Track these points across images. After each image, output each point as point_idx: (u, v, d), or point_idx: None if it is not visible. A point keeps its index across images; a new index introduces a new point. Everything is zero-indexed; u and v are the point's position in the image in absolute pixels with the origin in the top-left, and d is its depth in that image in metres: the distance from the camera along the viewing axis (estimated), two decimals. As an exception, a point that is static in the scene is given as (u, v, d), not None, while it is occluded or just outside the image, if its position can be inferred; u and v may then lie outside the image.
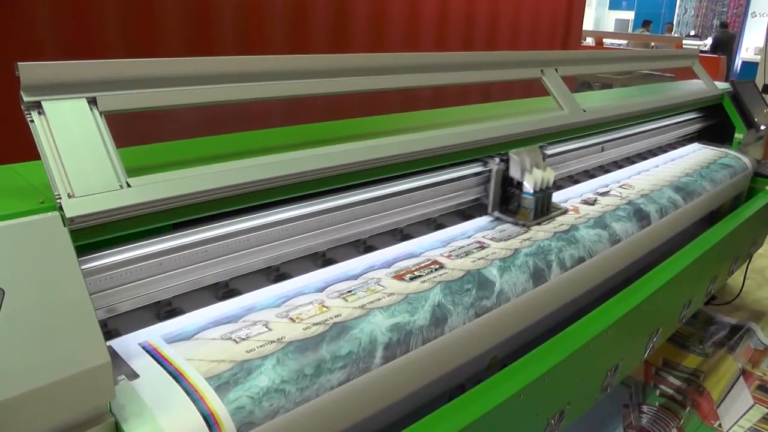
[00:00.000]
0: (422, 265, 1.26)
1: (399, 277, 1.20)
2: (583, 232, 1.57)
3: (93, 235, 0.89)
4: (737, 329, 2.79)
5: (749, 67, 10.46)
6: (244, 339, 0.94)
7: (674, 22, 14.07)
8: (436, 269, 1.25)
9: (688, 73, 2.89)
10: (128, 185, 0.91)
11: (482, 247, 1.39)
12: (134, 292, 0.99)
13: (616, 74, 4.45)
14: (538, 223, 1.56)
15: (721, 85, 2.85)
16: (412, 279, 1.20)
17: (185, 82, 1.06)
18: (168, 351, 0.90)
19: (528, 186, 1.56)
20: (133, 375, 0.84)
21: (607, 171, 2.21)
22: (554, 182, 1.63)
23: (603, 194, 1.88)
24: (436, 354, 1.11)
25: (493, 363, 1.32)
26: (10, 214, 0.78)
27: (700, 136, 2.82)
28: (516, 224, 1.55)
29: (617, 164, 2.30)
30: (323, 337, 0.98)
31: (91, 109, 0.93)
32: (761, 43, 7.42)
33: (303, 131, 1.50)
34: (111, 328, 0.98)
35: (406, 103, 2.84)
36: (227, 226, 1.09)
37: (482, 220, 1.58)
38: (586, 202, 1.78)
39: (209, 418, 0.79)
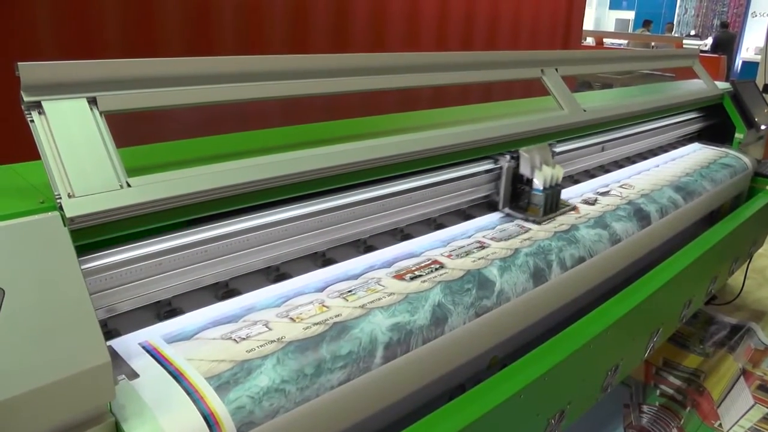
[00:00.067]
0: (422, 264, 1.26)
1: (399, 276, 1.20)
2: (583, 231, 1.57)
3: (93, 235, 0.89)
4: (738, 329, 2.78)
5: (749, 66, 10.46)
6: (244, 339, 0.94)
7: (674, 22, 14.07)
8: (436, 269, 1.25)
9: (688, 73, 2.89)
10: (128, 185, 0.91)
11: (482, 246, 1.39)
12: (134, 292, 0.99)
13: (616, 74, 4.45)
14: (548, 220, 1.59)
15: (722, 85, 2.85)
16: (412, 279, 1.20)
17: (185, 82, 1.06)
18: (168, 351, 0.90)
19: (538, 183, 1.58)
20: (134, 375, 0.84)
21: (607, 171, 2.21)
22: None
23: (603, 194, 1.88)
24: (437, 354, 1.11)
25: (494, 363, 1.32)
26: (10, 214, 0.78)
27: (700, 136, 2.82)
28: (526, 220, 1.58)
29: (617, 164, 2.30)
30: (323, 337, 0.98)
31: (91, 109, 0.93)
32: (761, 43, 7.41)
33: (303, 131, 1.50)
34: (111, 328, 0.98)
35: (406, 103, 2.84)
36: (227, 226, 1.09)
37: (493, 217, 1.60)
38: (586, 202, 1.78)
39: (209, 418, 0.79)
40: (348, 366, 0.97)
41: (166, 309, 1.04)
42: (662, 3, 14.75)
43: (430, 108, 2.01)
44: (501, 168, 1.62)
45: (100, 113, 0.94)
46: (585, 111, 1.85)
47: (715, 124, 2.82)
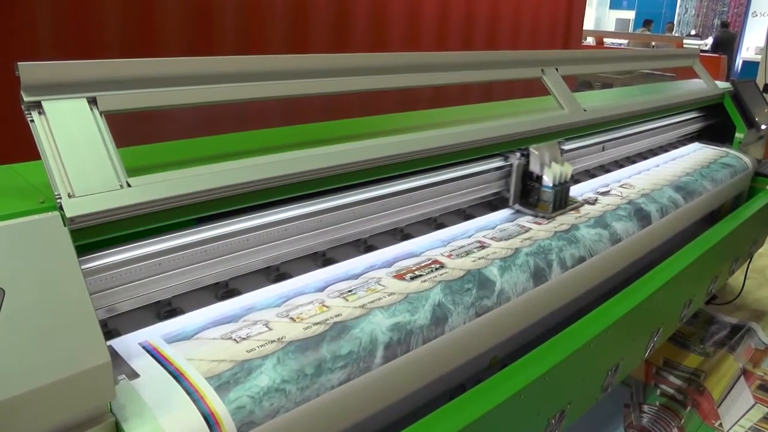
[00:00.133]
0: (423, 264, 1.26)
1: (399, 276, 1.20)
2: (583, 231, 1.57)
3: (93, 235, 0.89)
4: (738, 329, 2.78)
5: (750, 66, 10.46)
6: (244, 339, 0.94)
7: (675, 22, 14.07)
8: (436, 269, 1.25)
9: (688, 73, 2.89)
10: (128, 185, 0.91)
11: (483, 246, 1.39)
12: (134, 291, 0.99)
13: (616, 74, 4.45)
14: (557, 216, 1.62)
15: (722, 85, 2.85)
16: (412, 278, 1.20)
17: (185, 82, 1.06)
18: (168, 351, 0.90)
19: (547, 180, 1.61)
20: (134, 375, 0.84)
21: (607, 170, 2.21)
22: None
23: (603, 193, 1.88)
24: (437, 353, 1.11)
25: (494, 362, 1.32)
26: (10, 214, 0.78)
27: (700, 136, 2.81)
28: (536, 216, 1.61)
29: (618, 163, 2.30)
30: (324, 337, 0.98)
31: (91, 109, 0.93)
32: (762, 43, 7.42)
33: (303, 131, 1.50)
34: (111, 328, 0.98)
35: (406, 103, 2.84)
36: (227, 225, 1.09)
37: (503, 213, 1.63)
38: (586, 202, 1.78)
39: (210, 418, 0.79)
40: (348, 366, 0.97)
41: (166, 309, 1.04)
42: (662, 3, 14.74)
43: (430, 108, 2.01)
44: (511, 165, 1.64)
45: (100, 113, 0.94)
46: (585, 111, 1.85)
47: (715, 124, 2.82)
